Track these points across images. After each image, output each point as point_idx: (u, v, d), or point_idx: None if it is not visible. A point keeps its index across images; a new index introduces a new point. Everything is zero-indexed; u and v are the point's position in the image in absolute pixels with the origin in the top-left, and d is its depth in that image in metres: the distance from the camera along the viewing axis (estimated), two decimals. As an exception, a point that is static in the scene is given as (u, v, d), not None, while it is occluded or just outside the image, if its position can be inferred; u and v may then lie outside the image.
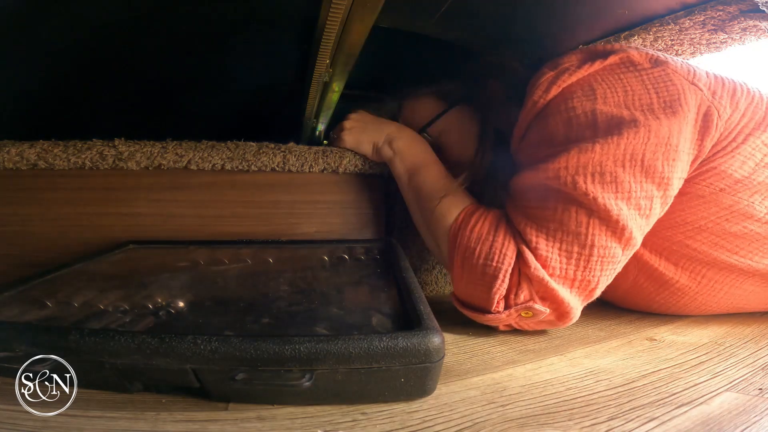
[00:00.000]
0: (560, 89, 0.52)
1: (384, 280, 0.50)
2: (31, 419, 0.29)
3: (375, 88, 0.90)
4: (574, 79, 0.51)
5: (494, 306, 0.48)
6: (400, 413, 0.31)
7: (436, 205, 0.56)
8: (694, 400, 0.34)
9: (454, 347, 0.46)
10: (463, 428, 0.29)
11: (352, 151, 0.72)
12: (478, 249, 0.49)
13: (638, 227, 0.46)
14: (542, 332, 0.53)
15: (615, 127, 0.47)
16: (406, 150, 0.63)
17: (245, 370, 0.30)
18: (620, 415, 0.31)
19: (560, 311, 0.47)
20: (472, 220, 0.52)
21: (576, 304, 0.48)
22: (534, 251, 0.46)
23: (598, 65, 0.51)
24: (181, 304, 0.43)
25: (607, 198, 0.45)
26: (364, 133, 0.66)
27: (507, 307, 0.47)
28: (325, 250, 0.61)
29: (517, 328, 0.51)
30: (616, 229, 0.45)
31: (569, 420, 0.31)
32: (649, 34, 0.64)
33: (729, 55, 0.66)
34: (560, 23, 0.71)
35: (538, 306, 0.46)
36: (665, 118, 0.46)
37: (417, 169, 0.61)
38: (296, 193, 0.73)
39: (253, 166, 0.69)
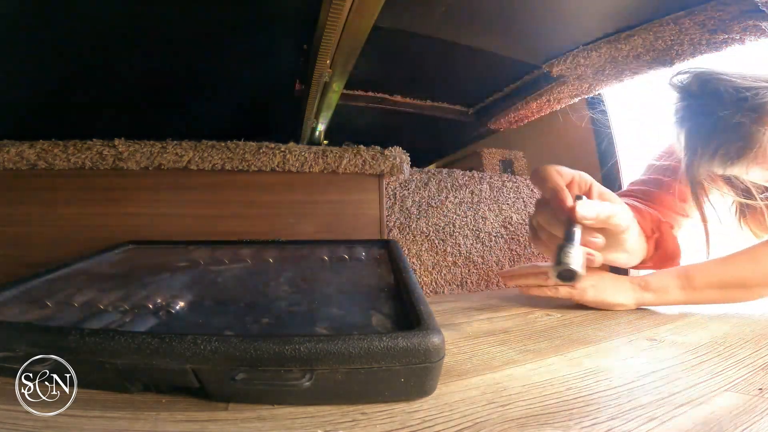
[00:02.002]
0: None
1: (384, 280, 0.50)
2: (31, 419, 0.29)
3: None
4: None
5: None
6: (400, 413, 0.31)
7: (748, 277, 0.57)
8: (694, 400, 0.33)
9: (454, 347, 0.46)
10: (464, 428, 0.29)
11: (351, 151, 0.72)
12: None
13: None
14: (542, 332, 0.53)
15: None
16: (661, 284, 0.60)
17: (245, 370, 0.30)
18: (620, 415, 0.31)
19: None
20: None
21: None
22: None
23: None
24: (181, 304, 0.43)
25: None
26: (615, 291, 0.61)
27: None
28: (325, 250, 0.61)
29: None
30: None
31: (569, 420, 0.30)
32: (650, 34, 0.64)
33: (729, 55, 0.66)
34: (560, 23, 0.71)
35: None
36: None
37: (687, 283, 0.59)
38: (296, 193, 0.73)
39: (253, 166, 0.69)
